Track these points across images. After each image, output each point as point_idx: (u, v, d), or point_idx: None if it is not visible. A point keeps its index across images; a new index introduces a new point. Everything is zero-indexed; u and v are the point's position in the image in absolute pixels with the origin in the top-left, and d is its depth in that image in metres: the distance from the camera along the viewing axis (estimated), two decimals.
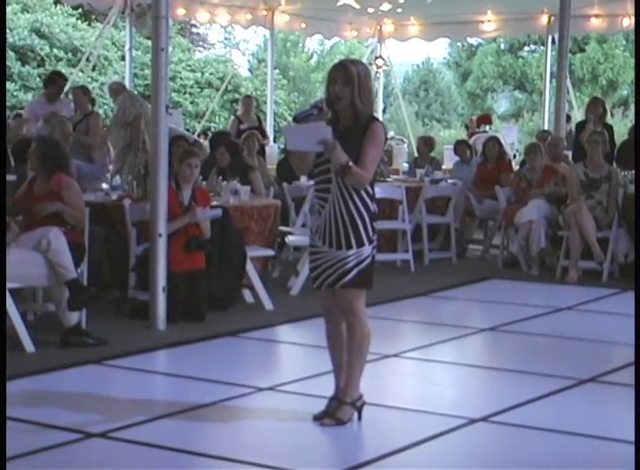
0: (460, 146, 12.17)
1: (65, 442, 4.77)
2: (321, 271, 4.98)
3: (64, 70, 20.50)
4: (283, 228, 9.09)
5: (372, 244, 4.96)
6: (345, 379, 5.08)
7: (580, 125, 11.77)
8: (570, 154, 11.67)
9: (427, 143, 12.16)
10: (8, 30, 18.27)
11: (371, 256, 4.97)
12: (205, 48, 29.33)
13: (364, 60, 16.61)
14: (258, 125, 13.02)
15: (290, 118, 21.56)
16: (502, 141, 12.94)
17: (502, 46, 31.42)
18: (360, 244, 4.92)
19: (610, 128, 11.42)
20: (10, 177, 8.53)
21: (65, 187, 6.96)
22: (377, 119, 4.98)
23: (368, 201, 4.94)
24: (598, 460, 4.70)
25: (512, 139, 15.21)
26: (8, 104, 18.01)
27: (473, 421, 5.17)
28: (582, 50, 29.49)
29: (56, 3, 21.48)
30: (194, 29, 28.13)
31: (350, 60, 5.12)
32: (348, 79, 4.86)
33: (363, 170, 4.85)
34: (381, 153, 4.96)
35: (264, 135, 12.17)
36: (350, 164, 4.80)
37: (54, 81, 11.10)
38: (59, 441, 4.77)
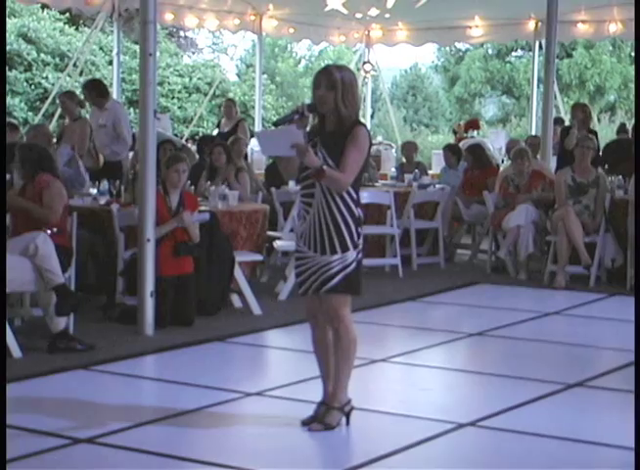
0: (444, 152, 12.18)
1: (52, 447, 4.75)
2: (306, 277, 4.98)
3: (51, 76, 20.60)
4: (271, 233, 9.09)
5: (357, 249, 4.95)
6: (333, 384, 5.08)
7: (565, 131, 11.82)
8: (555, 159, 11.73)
9: (411, 148, 12.21)
10: None
11: (356, 261, 4.96)
12: (193, 53, 29.32)
13: (352, 65, 16.66)
14: (231, 129, 12.89)
15: None
16: (489, 146, 12.97)
17: (490, 51, 31.51)
18: (345, 249, 4.92)
19: (594, 134, 11.46)
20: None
21: (44, 186, 6.95)
22: (361, 124, 4.97)
23: (352, 206, 4.94)
24: (585, 464, 4.70)
25: (500, 144, 15.24)
26: None
27: (461, 426, 5.18)
28: (570, 55, 29.60)
29: (43, 8, 21.40)
30: (181, 33, 28.11)
31: (336, 65, 5.14)
32: (332, 84, 4.88)
33: (342, 174, 4.85)
34: (363, 157, 4.92)
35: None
36: (324, 167, 4.82)
37: (91, 89, 10.86)
38: (46, 446, 4.75)
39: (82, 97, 10.89)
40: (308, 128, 5.01)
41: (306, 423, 5.07)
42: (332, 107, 4.89)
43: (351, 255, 4.94)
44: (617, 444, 4.90)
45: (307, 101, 5.12)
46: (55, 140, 10.17)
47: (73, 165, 9.42)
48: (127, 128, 10.81)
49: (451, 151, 12.08)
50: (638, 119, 9.52)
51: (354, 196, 4.95)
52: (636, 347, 5.70)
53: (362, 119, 5.11)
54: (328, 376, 5.11)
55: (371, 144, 5.02)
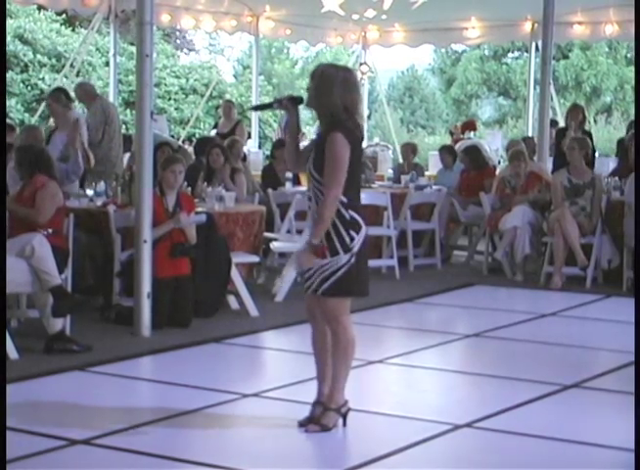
0: (441, 152, 12.19)
1: (48, 449, 4.75)
2: (308, 276, 5.00)
3: (47, 77, 20.58)
4: (268, 234, 9.09)
5: (349, 252, 4.92)
6: (331, 385, 5.08)
7: (561, 132, 11.83)
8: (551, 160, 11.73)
9: (412, 150, 12.21)
10: None
11: (349, 264, 4.92)
12: (190, 50, 29.35)
13: (349, 66, 16.63)
14: (231, 129, 12.88)
15: (275, 125, 21.59)
16: (486, 147, 12.96)
17: (486, 52, 31.57)
18: (334, 253, 4.91)
19: (589, 135, 11.48)
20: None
21: (39, 187, 6.97)
22: (338, 129, 4.87)
23: (342, 210, 4.91)
24: (581, 465, 4.70)
25: (496, 145, 15.24)
26: None
27: (457, 427, 5.18)
28: (566, 57, 29.66)
29: (39, 9, 21.38)
30: (178, 33, 28.13)
31: (330, 63, 5.17)
32: (311, 76, 4.98)
33: (326, 194, 4.84)
34: (343, 163, 4.83)
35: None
36: (314, 242, 4.86)
37: (59, 95, 10.84)
38: (42, 448, 4.75)
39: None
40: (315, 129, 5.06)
41: (303, 424, 5.07)
42: (309, 99, 4.97)
43: (342, 258, 4.92)
44: (613, 444, 4.91)
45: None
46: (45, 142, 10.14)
47: (71, 155, 9.39)
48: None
49: (448, 152, 12.09)
50: (638, 120, 9.50)
51: (344, 200, 4.91)
52: (636, 347, 5.70)
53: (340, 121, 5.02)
54: (324, 376, 5.11)
55: (354, 144, 4.89)
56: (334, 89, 4.89)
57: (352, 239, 4.93)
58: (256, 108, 4.93)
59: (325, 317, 5.04)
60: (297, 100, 5.13)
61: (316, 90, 4.93)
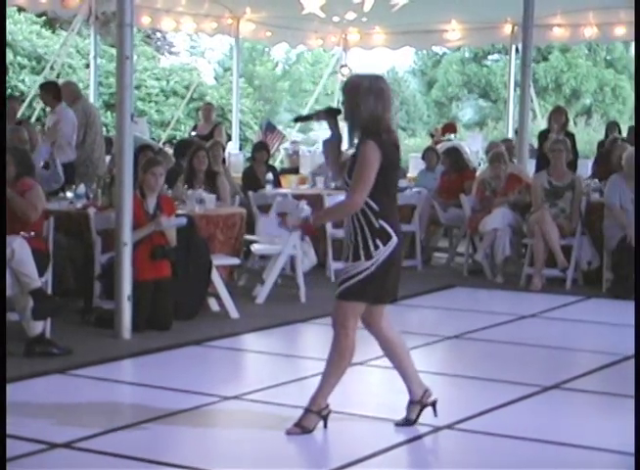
0: (428, 153, 12.21)
1: (29, 452, 4.73)
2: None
3: (27, 79, 20.49)
4: (248, 237, 9.09)
5: (370, 260, 4.90)
6: (318, 387, 5.07)
7: (543, 134, 11.88)
8: (533, 162, 11.78)
9: None
10: None
11: (368, 271, 4.89)
12: (170, 52, 29.30)
13: (329, 68, 16.67)
14: (209, 132, 12.90)
15: (256, 127, 21.56)
16: (467, 149, 12.99)
17: (467, 55, 31.65)
18: (356, 258, 4.92)
19: (572, 137, 11.53)
20: None
21: (28, 189, 6.96)
22: (370, 138, 4.88)
23: (372, 218, 4.92)
24: (562, 465, 4.72)
25: (476, 147, 15.29)
26: None
27: (438, 429, 5.19)
28: (546, 59, 29.78)
29: (19, 10, 21.29)
30: (159, 35, 28.08)
31: (364, 74, 5.15)
32: (342, 90, 5.03)
33: (352, 194, 4.88)
34: (372, 170, 4.84)
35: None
36: (309, 219, 5.03)
37: (48, 91, 10.89)
38: (22, 451, 4.73)
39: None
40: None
41: (398, 424, 5.16)
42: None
43: (363, 264, 4.90)
44: (593, 445, 4.94)
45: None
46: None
47: (50, 166, 9.37)
48: (68, 133, 10.65)
49: (434, 153, 12.12)
50: (638, 120, 9.55)
51: (375, 208, 4.92)
52: (636, 348, 5.73)
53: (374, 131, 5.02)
54: (408, 376, 5.21)
55: (386, 151, 4.90)
56: (359, 99, 4.91)
57: (377, 247, 4.91)
58: (297, 119, 5.11)
59: (332, 319, 5.04)
60: (335, 111, 5.14)
61: (345, 102, 4.97)
